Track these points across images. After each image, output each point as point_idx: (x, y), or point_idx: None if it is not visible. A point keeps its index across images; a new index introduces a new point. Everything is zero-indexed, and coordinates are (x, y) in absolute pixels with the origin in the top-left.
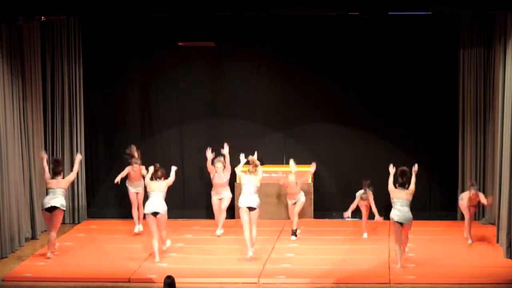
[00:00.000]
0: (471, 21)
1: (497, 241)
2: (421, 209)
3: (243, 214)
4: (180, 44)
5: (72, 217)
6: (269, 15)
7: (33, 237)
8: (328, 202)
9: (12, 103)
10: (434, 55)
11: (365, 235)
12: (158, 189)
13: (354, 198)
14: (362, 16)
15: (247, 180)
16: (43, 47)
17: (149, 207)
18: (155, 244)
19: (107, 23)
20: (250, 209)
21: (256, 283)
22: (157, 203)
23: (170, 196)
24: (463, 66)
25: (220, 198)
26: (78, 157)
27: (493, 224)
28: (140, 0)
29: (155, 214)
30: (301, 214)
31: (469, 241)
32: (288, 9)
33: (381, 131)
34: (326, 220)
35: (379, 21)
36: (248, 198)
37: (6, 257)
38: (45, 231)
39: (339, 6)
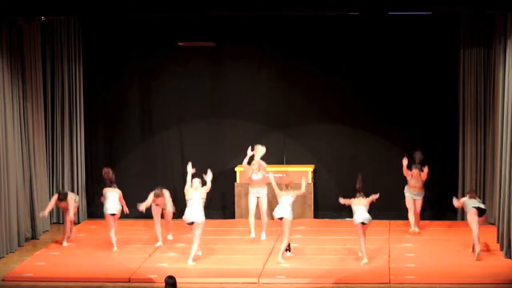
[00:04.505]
0: (471, 21)
1: (497, 241)
2: (421, 209)
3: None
4: (180, 44)
5: None
6: (269, 15)
7: (33, 237)
8: (328, 202)
9: (12, 103)
10: (434, 55)
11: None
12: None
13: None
14: (362, 16)
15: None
16: (43, 47)
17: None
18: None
19: (107, 23)
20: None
21: (256, 283)
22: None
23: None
24: (463, 66)
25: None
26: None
27: (493, 224)
28: (140, 0)
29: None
30: (301, 214)
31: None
32: (288, 9)
33: (381, 131)
34: (326, 220)
35: (379, 21)
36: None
37: (5, 257)
38: (47, 231)
39: (339, 6)
